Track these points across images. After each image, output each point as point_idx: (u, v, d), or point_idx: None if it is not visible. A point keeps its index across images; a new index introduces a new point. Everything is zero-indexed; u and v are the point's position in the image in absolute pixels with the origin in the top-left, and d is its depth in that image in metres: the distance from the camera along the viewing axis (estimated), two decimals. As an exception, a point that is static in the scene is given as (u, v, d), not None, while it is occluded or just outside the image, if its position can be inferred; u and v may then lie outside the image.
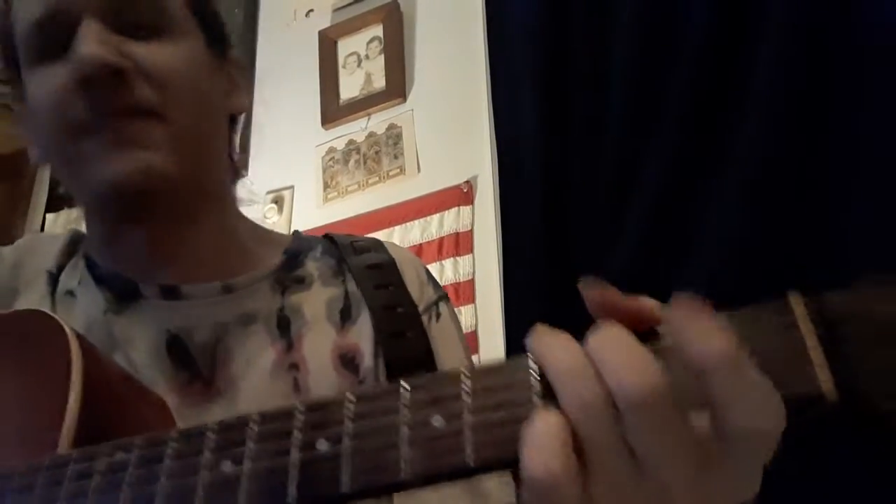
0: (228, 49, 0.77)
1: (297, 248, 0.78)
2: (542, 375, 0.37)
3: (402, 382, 0.39)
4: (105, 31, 0.64)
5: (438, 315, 0.77)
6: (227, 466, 0.41)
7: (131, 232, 0.70)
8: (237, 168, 0.80)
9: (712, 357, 0.34)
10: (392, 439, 0.38)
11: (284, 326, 0.71)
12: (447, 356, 0.74)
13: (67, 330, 0.58)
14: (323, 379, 0.69)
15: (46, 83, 0.65)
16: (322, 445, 0.39)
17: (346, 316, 0.73)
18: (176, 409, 0.64)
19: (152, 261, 0.70)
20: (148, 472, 0.44)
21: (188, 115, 0.67)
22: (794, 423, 0.34)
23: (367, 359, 0.71)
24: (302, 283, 0.75)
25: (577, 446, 0.35)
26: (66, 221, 2.43)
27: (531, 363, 0.38)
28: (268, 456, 0.40)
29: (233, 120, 0.78)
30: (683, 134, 1.66)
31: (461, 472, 0.36)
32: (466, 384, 0.38)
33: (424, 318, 0.76)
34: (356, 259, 0.77)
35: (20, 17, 0.67)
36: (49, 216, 2.54)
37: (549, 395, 0.37)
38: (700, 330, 0.35)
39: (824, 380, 0.34)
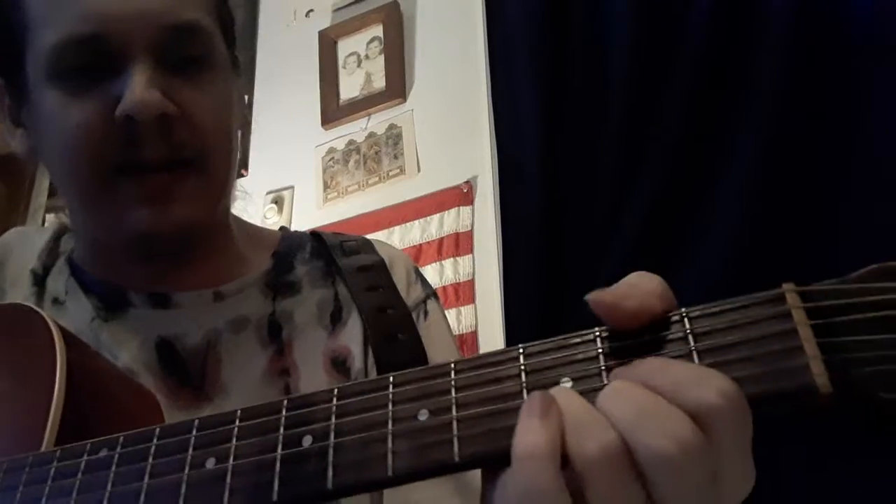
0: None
1: (285, 249, 0.78)
2: (532, 370, 0.37)
3: (389, 377, 0.39)
4: (157, 71, 0.61)
5: (426, 313, 0.77)
6: (211, 463, 0.41)
7: (133, 261, 0.69)
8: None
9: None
10: (378, 434, 0.37)
11: (275, 332, 0.71)
12: (436, 354, 0.73)
13: (52, 325, 0.57)
14: (314, 382, 0.69)
15: (75, 110, 0.61)
16: (307, 441, 0.38)
17: (336, 318, 0.73)
18: (167, 413, 0.63)
19: (144, 273, 0.70)
20: (132, 470, 0.44)
21: (224, 162, 0.66)
22: (789, 415, 0.33)
23: (357, 361, 0.71)
24: (292, 287, 0.74)
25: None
26: (50, 225, 2.42)
27: (522, 357, 0.38)
28: (252, 452, 0.40)
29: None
30: (683, 135, 1.66)
31: (448, 467, 0.36)
32: (454, 378, 0.37)
33: (413, 316, 0.75)
34: (346, 261, 0.76)
35: (49, 21, 0.62)
36: (49, 216, 2.53)
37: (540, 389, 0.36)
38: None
39: (818, 373, 0.33)
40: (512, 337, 1.79)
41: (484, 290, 1.93)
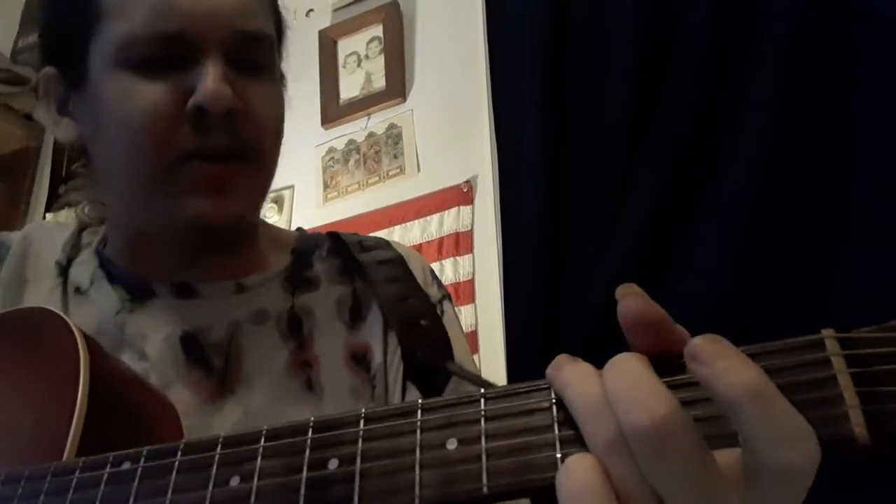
0: None
1: (303, 247, 0.79)
2: (563, 403, 0.36)
3: (418, 402, 0.39)
4: (228, 68, 0.65)
5: (443, 313, 0.77)
6: (235, 482, 0.41)
7: (173, 249, 0.70)
8: None
9: (740, 390, 0.33)
10: (406, 462, 0.37)
11: (296, 326, 0.72)
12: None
13: (76, 332, 0.58)
14: (335, 376, 0.70)
15: (148, 94, 0.63)
16: (333, 465, 0.38)
17: (355, 314, 0.74)
18: (190, 405, 0.65)
19: (171, 264, 0.71)
20: (155, 485, 0.44)
21: (274, 160, 0.70)
22: (824, 464, 0.32)
23: (377, 356, 0.72)
24: (310, 283, 0.75)
25: (613, 485, 0.34)
26: (66, 221, 2.41)
27: (553, 390, 0.37)
28: (278, 473, 0.40)
29: None
30: (683, 134, 1.66)
31: (476, 500, 0.35)
32: (484, 407, 0.37)
33: (435, 306, 0.76)
34: (365, 256, 0.77)
35: (125, 12, 0.64)
36: (49, 216, 2.52)
37: (570, 423, 0.36)
38: (726, 363, 0.33)
39: (857, 423, 0.32)
40: (512, 337, 1.79)
41: (484, 289, 1.94)
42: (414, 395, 0.70)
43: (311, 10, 2.47)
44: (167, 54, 0.64)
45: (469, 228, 2.01)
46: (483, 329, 1.90)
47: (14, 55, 2.66)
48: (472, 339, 1.88)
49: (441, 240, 2.02)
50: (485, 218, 2.00)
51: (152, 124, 0.63)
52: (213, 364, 0.68)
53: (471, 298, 1.94)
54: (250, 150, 0.66)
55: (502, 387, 0.38)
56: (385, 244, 0.81)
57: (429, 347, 0.70)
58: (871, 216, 1.40)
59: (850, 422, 0.33)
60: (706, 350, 0.34)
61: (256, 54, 0.68)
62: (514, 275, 1.85)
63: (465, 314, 1.91)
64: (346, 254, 0.78)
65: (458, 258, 1.99)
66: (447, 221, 2.03)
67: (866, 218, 1.40)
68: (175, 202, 0.65)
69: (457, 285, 1.95)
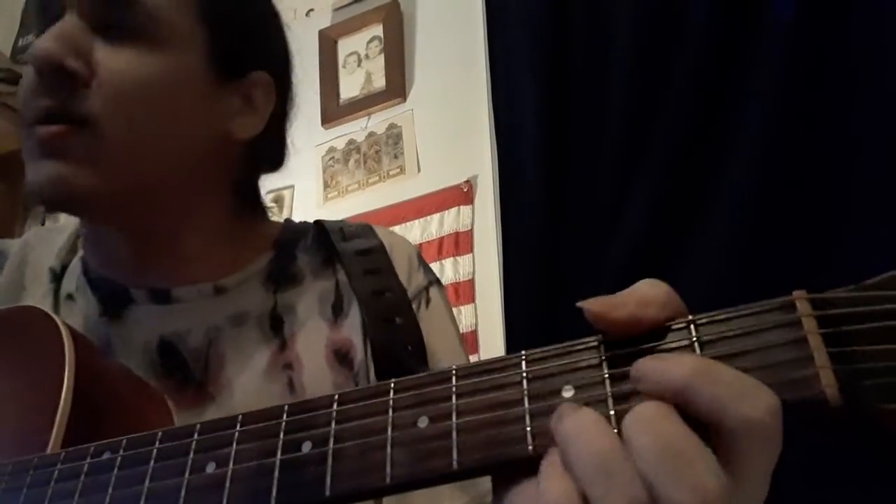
0: (255, 68, 0.71)
1: (288, 238, 0.77)
2: (534, 377, 0.36)
3: (391, 383, 0.38)
4: (77, 29, 0.61)
5: (428, 301, 0.76)
6: (211, 468, 0.41)
7: (107, 232, 0.69)
8: (246, 192, 0.76)
9: (684, 373, 0.33)
10: (377, 441, 0.37)
11: (277, 326, 0.71)
12: (437, 343, 0.73)
13: (62, 328, 0.58)
14: (317, 377, 0.69)
15: (26, 71, 0.63)
16: (307, 447, 0.38)
17: (337, 310, 0.73)
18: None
19: (139, 263, 0.69)
20: (133, 473, 0.44)
21: (128, 130, 0.62)
22: (797, 427, 0.32)
23: (359, 352, 0.70)
24: (293, 279, 0.74)
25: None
26: (67, 220, 2.42)
27: (524, 364, 0.37)
28: (252, 458, 0.40)
29: (259, 140, 0.72)
30: (684, 135, 1.66)
31: (447, 476, 0.35)
32: (455, 385, 0.37)
33: (414, 305, 0.74)
34: (345, 245, 0.76)
35: None
36: (48, 215, 2.53)
37: (540, 397, 0.36)
38: (663, 363, 0.34)
39: (828, 383, 0.32)
40: (512, 336, 1.79)
41: (484, 289, 1.94)
42: None
43: (311, 9, 2.47)
44: (45, 10, 0.63)
45: (469, 228, 2.01)
46: (483, 329, 1.89)
47: (14, 54, 2.67)
48: (472, 339, 1.88)
49: (441, 239, 2.02)
50: (485, 218, 2.00)
51: (21, 94, 0.62)
52: (192, 371, 0.67)
53: (471, 298, 1.94)
54: (81, 113, 0.60)
55: (474, 363, 0.38)
56: (368, 231, 0.79)
57: (401, 347, 0.69)
58: (871, 216, 1.39)
59: (820, 382, 0.32)
60: (641, 366, 0.35)
61: (122, 16, 0.62)
62: (514, 275, 1.84)
63: (465, 314, 1.91)
64: (329, 243, 0.77)
65: (458, 258, 1.99)
66: (447, 221, 2.03)
67: (866, 218, 1.40)
68: (26, 170, 0.62)
69: (457, 285, 1.95)
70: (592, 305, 0.37)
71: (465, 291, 1.94)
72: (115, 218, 0.66)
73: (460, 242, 2.00)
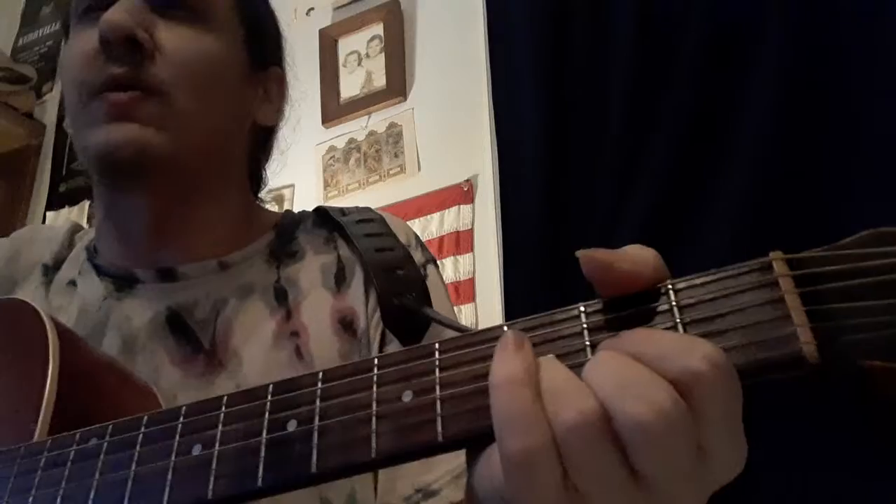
0: (272, 64, 0.80)
1: (287, 222, 0.80)
2: None
3: (374, 360, 0.38)
4: (140, 4, 0.67)
5: (426, 276, 0.77)
6: (197, 450, 0.41)
7: (129, 204, 0.71)
8: (259, 177, 0.83)
9: (631, 343, 0.34)
10: (362, 416, 0.36)
11: (282, 297, 0.72)
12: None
13: (46, 320, 0.59)
14: (324, 343, 0.70)
15: (77, 43, 0.68)
16: (292, 425, 0.38)
17: (340, 280, 0.74)
18: (182, 383, 0.65)
19: (149, 239, 0.71)
20: (120, 458, 0.44)
21: (194, 100, 0.68)
22: (776, 384, 0.32)
23: (362, 321, 0.72)
24: (294, 255, 0.76)
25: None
26: (67, 220, 2.43)
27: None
28: (238, 438, 0.40)
29: (264, 131, 0.81)
30: (684, 135, 1.66)
31: (432, 448, 0.35)
32: (438, 358, 0.37)
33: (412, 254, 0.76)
34: (346, 218, 0.78)
35: None
36: (49, 214, 2.54)
37: None
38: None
39: (806, 341, 0.32)
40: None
41: (484, 288, 1.93)
42: (394, 348, 0.70)
43: (312, 8, 2.47)
44: (95, 3, 0.68)
45: (469, 227, 2.01)
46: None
47: (14, 54, 2.68)
48: (472, 338, 1.87)
49: (441, 238, 2.02)
50: (485, 217, 2.00)
51: (76, 63, 0.67)
52: (201, 340, 0.69)
53: (471, 297, 1.93)
54: (152, 82, 0.66)
55: (457, 336, 0.38)
56: (367, 210, 0.82)
57: (406, 293, 0.69)
58: (875, 212, 1.39)
59: (798, 341, 0.32)
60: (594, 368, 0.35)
61: None
62: (514, 274, 1.84)
63: (466, 313, 1.90)
64: (329, 222, 0.79)
65: (458, 257, 1.98)
66: (447, 220, 2.03)
67: (870, 212, 1.39)
68: (85, 136, 0.66)
69: (457, 284, 1.94)
70: (596, 253, 0.37)
71: (466, 290, 1.94)
72: (165, 183, 0.69)
73: (460, 241, 2.00)
